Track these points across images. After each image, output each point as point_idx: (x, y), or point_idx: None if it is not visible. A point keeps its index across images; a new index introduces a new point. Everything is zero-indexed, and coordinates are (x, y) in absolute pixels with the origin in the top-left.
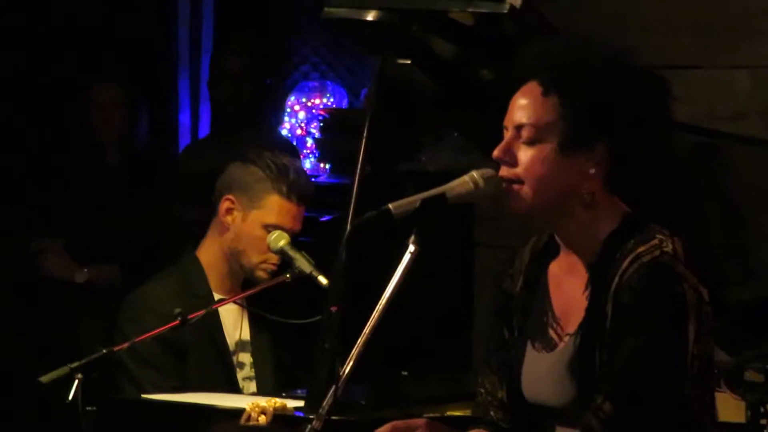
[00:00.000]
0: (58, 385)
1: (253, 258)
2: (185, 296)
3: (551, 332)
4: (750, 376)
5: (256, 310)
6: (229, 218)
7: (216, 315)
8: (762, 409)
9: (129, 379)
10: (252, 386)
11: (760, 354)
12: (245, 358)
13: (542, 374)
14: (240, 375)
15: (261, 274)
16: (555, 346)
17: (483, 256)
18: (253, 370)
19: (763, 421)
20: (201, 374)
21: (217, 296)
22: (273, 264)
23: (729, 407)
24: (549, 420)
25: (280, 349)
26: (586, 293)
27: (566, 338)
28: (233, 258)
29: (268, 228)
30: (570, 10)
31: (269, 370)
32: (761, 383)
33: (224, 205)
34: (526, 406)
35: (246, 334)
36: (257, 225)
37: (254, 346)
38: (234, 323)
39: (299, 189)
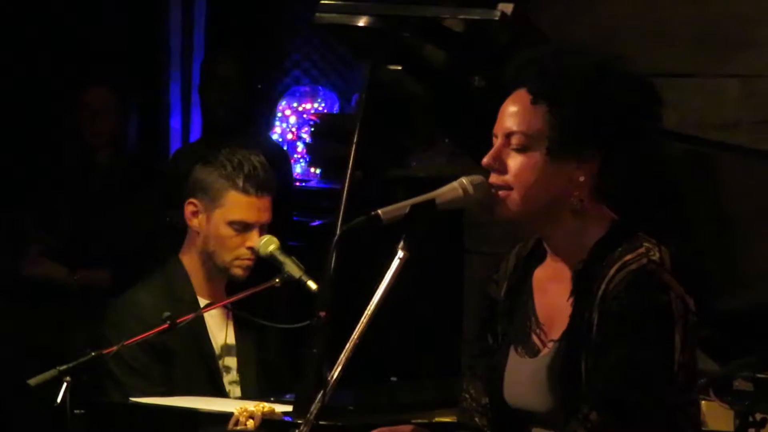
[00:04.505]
0: (46, 387)
1: (226, 256)
2: (170, 302)
3: (534, 338)
4: (739, 385)
5: (244, 313)
6: (195, 221)
7: (201, 319)
8: (750, 418)
9: (115, 386)
10: (238, 390)
11: (748, 363)
12: (231, 362)
13: (524, 379)
14: (226, 379)
15: (237, 271)
16: (538, 351)
17: (472, 263)
18: (238, 374)
19: (751, 430)
20: (187, 379)
21: (201, 300)
22: (247, 259)
23: (718, 416)
24: (530, 425)
25: (265, 353)
26: (571, 300)
27: (550, 344)
28: (209, 260)
29: (233, 225)
30: (561, 18)
31: (254, 373)
32: (750, 392)
33: (188, 209)
34: (508, 411)
35: (231, 338)
36: (222, 223)
37: (239, 349)
38: (219, 327)
39: (256, 180)
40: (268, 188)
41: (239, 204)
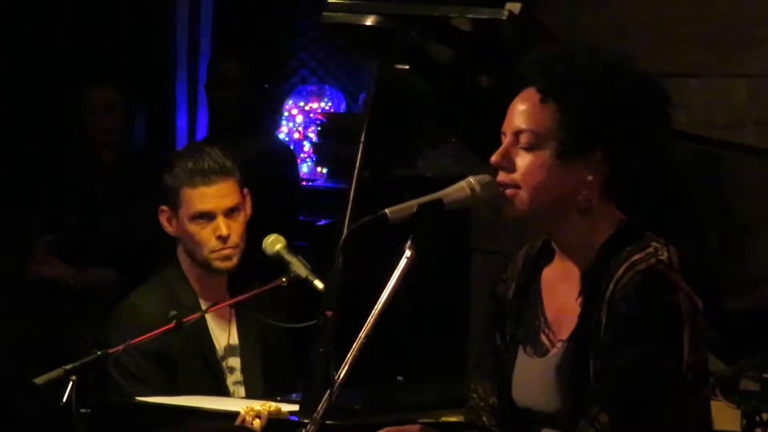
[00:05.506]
0: (52, 386)
1: (202, 252)
2: (172, 307)
3: (543, 338)
4: (746, 384)
5: (250, 312)
6: (170, 228)
7: (203, 321)
8: (758, 418)
9: (119, 395)
10: (242, 390)
11: (755, 363)
12: (235, 362)
13: (533, 379)
14: (230, 380)
15: (219, 264)
16: (547, 351)
17: (479, 262)
18: (242, 374)
19: (758, 430)
20: (190, 381)
21: (203, 303)
22: (221, 249)
23: (725, 416)
24: (539, 425)
25: (269, 353)
26: (579, 300)
27: (558, 344)
28: (194, 260)
29: (195, 219)
30: (569, 18)
31: (258, 373)
32: (757, 392)
33: (162, 217)
34: (516, 411)
35: (235, 339)
36: (186, 222)
37: (243, 349)
38: (221, 328)
39: (199, 170)
40: (217, 173)
41: (192, 198)
